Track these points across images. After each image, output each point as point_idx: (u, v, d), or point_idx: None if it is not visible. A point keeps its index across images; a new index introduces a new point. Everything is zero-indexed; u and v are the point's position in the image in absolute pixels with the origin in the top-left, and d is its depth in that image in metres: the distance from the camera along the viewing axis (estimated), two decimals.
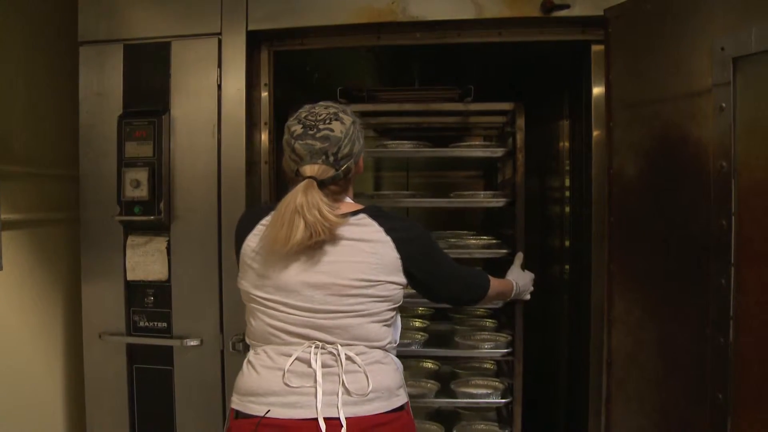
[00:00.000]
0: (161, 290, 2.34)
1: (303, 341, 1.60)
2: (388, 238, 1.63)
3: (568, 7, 2.11)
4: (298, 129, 1.65)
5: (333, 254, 1.61)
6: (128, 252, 2.34)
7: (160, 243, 2.32)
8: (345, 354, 1.59)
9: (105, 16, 2.35)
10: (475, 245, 2.71)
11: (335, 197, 1.66)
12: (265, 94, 2.39)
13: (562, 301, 3.09)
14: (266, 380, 1.59)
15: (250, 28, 2.27)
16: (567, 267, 3.05)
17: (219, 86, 2.28)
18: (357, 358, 1.59)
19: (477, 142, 3.35)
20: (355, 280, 1.59)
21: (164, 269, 2.32)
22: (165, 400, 2.35)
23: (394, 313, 1.72)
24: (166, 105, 2.30)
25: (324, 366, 1.57)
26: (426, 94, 2.70)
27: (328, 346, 1.59)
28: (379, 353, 1.66)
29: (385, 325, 1.68)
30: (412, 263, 1.66)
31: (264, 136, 2.39)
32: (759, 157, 1.48)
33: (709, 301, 1.59)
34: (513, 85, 3.37)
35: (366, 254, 1.61)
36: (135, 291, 2.36)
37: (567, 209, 3.08)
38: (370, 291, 1.61)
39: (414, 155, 2.66)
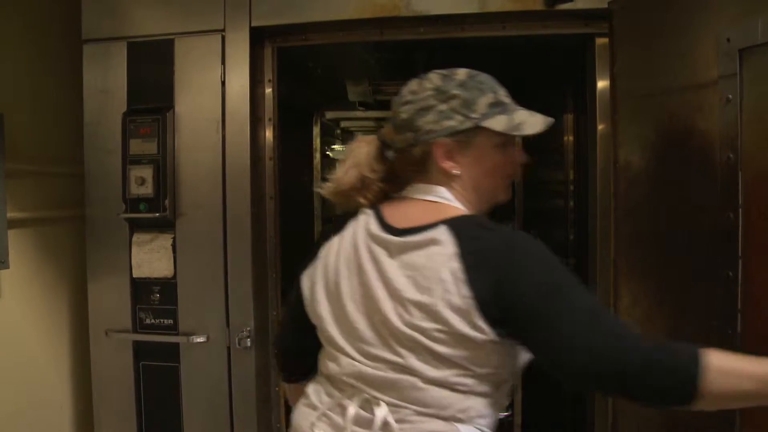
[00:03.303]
0: (167, 287, 2.34)
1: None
2: None
3: (572, 0, 2.11)
4: None
5: None
6: (134, 249, 2.34)
7: (165, 240, 2.32)
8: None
9: (108, 14, 2.35)
10: None
11: (415, 170, 1.47)
12: (269, 90, 2.38)
13: None
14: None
15: (253, 24, 2.26)
16: (572, 260, 3.05)
17: (223, 83, 2.28)
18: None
19: None
20: None
21: (170, 266, 2.32)
22: (171, 396, 2.35)
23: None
24: (170, 102, 2.30)
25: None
26: None
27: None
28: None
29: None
30: None
31: (268, 132, 2.39)
32: (766, 149, 1.47)
33: (717, 293, 1.59)
34: (516, 79, 3.37)
35: None
36: (141, 288, 2.37)
37: (571, 202, 3.08)
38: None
39: None
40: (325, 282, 1.35)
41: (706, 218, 1.64)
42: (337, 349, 1.30)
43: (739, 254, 1.53)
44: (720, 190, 1.58)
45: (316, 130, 2.64)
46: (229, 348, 2.31)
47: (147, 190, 2.27)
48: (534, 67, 3.16)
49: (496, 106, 1.30)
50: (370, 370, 1.25)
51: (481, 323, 1.14)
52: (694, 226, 1.72)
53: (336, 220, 1.49)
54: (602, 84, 2.20)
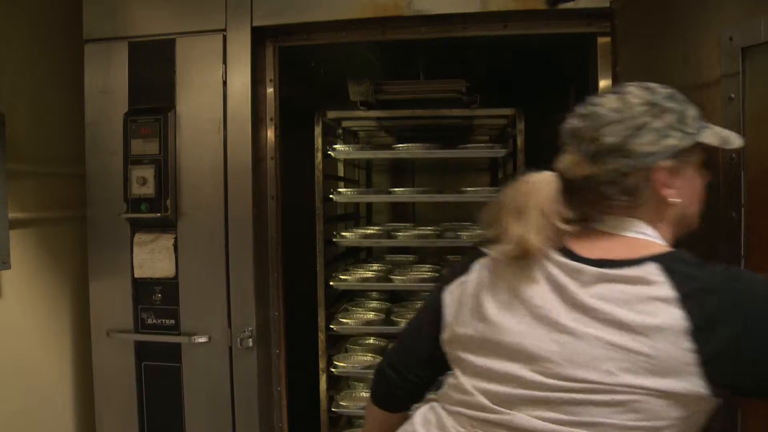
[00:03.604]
0: (169, 287, 2.34)
1: None
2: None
3: None
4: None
5: None
6: (135, 249, 2.34)
7: (167, 240, 2.31)
8: None
9: (110, 14, 2.35)
10: (479, 235, 2.74)
11: (610, 204, 1.14)
12: (270, 90, 2.38)
13: None
14: None
15: (254, 24, 2.26)
16: None
17: (224, 83, 2.27)
18: None
19: (482, 144, 3.41)
20: None
21: (171, 266, 2.32)
22: (173, 396, 2.35)
23: None
24: (171, 102, 2.30)
25: None
26: (432, 87, 2.70)
27: None
28: None
29: None
30: None
31: (270, 132, 2.39)
32: None
33: None
34: (518, 79, 3.36)
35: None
36: (142, 288, 2.36)
37: None
38: None
39: (425, 156, 2.72)
40: (476, 306, 1.16)
41: (709, 218, 1.64)
42: (477, 377, 1.12)
43: (742, 253, 1.52)
44: (722, 189, 1.57)
45: (318, 130, 2.63)
46: (231, 348, 2.31)
47: (148, 190, 2.27)
48: (536, 66, 3.15)
49: (700, 119, 1.16)
50: (518, 418, 1.04)
51: (696, 379, 0.95)
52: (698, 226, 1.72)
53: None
54: (604, 83, 2.20)
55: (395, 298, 3.25)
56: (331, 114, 2.74)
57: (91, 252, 2.40)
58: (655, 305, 0.98)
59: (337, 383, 2.85)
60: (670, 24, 1.82)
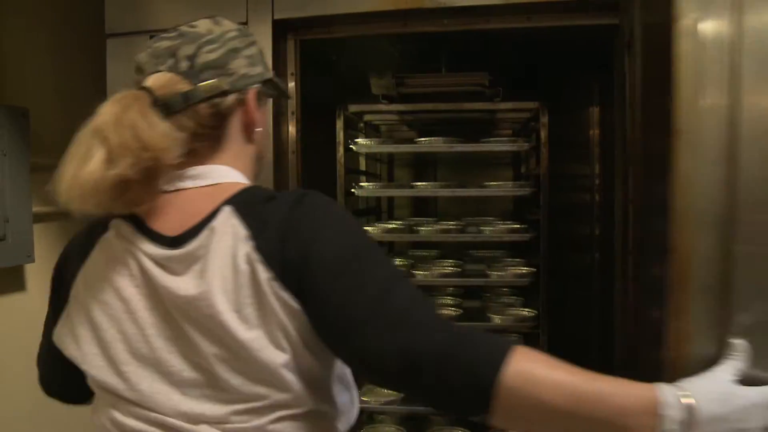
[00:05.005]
0: None
1: None
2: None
3: None
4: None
5: None
6: None
7: None
8: None
9: (131, 8, 2.35)
10: (502, 230, 2.78)
11: (193, 147, 1.09)
12: (292, 84, 2.37)
13: (592, 291, 3.05)
14: None
15: (276, 17, 2.25)
16: (597, 255, 3.00)
17: None
18: None
19: (504, 138, 3.38)
20: None
21: None
22: None
23: None
24: None
25: None
26: (454, 81, 2.69)
27: None
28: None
29: None
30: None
31: (291, 127, 2.38)
32: None
33: None
34: (542, 71, 3.33)
35: None
36: None
37: (597, 197, 3.04)
38: None
39: (447, 150, 2.70)
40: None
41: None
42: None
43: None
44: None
45: (340, 124, 2.63)
46: None
47: None
48: (560, 60, 3.12)
49: None
50: None
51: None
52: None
53: (78, 237, 1.27)
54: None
55: None
56: (353, 108, 2.73)
57: None
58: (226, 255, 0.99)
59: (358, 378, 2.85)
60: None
